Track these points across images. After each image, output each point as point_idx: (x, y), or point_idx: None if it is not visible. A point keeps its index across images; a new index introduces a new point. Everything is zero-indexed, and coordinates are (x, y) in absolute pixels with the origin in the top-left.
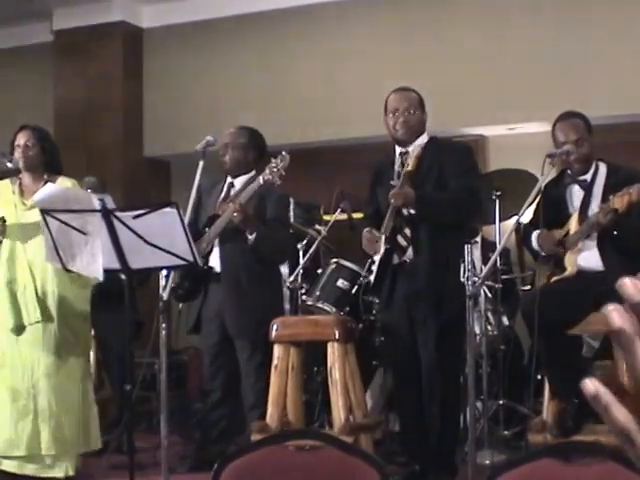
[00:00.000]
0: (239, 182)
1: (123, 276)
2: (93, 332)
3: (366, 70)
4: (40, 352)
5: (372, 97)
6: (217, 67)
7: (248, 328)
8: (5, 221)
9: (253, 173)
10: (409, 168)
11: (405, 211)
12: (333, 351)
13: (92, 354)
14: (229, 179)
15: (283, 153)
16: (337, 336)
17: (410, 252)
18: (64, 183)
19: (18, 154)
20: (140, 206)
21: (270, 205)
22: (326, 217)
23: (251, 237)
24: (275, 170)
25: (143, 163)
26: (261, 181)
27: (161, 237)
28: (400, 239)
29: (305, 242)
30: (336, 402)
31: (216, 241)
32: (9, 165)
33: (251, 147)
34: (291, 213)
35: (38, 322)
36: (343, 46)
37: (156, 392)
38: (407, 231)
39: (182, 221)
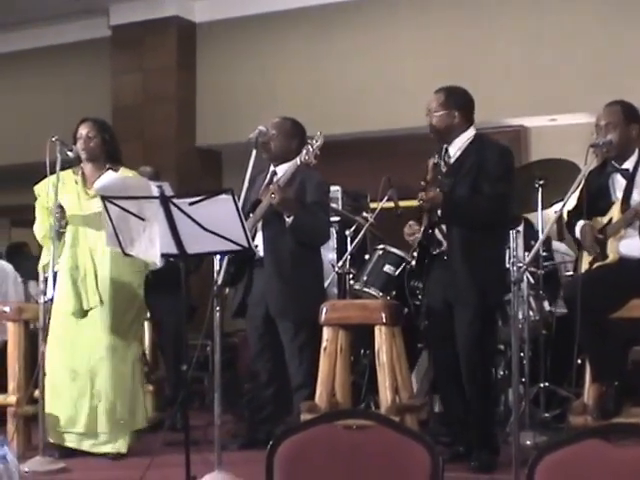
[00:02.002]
0: (281, 170)
1: (171, 259)
2: (149, 315)
3: (412, 62)
4: (98, 335)
5: (418, 89)
6: (267, 59)
7: (291, 309)
8: (63, 208)
9: (295, 161)
10: (429, 176)
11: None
12: (380, 334)
13: (147, 336)
14: (272, 167)
15: (318, 133)
16: (384, 319)
17: (445, 246)
18: (125, 174)
19: (80, 145)
20: (197, 193)
21: (309, 190)
22: (373, 205)
23: (289, 220)
24: (311, 150)
25: (195, 153)
26: (298, 162)
27: (217, 223)
28: (437, 233)
29: (353, 229)
30: (383, 383)
31: (259, 226)
32: (69, 155)
33: (293, 136)
34: (339, 201)
35: (97, 307)
36: (391, 39)
37: (208, 372)
38: (443, 227)
39: (237, 208)
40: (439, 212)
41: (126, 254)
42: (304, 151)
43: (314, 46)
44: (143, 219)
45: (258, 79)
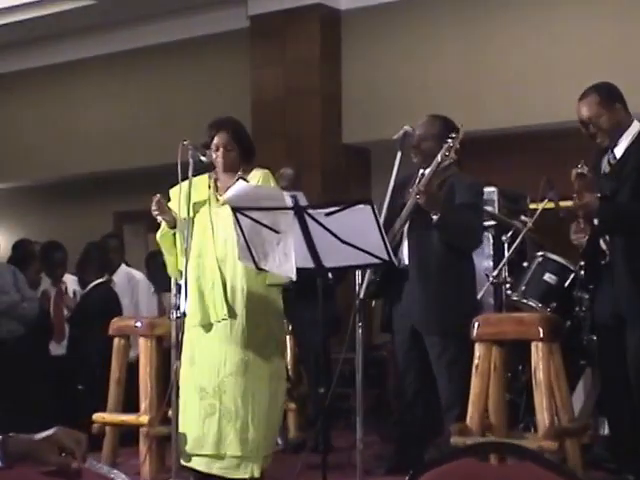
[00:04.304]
0: None
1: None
2: (291, 328)
3: (578, 48)
4: (228, 350)
5: (584, 76)
6: (418, 49)
7: (436, 322)
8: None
9: (436, 158)
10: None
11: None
12: (537, 351)
13: (289, 351)
14: (421, 170)
15: (459, 125)
16: (542, 335)
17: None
18: (256, 174)
19: (217, 157)
20: (333, 203)
21: (459, 192)
22: (533, 206)
23: (435, 217)
24: (451, 145)
25: (342, 150)
26: (439, 158)
27: (354, 234)
28: (602, 243)
29: (510, 234)
30: (540, 405)
31: (405, 232)
32: (203, 159)
33: (444, 136)
34: (495, 203)
35: (225, 320)
36: (549, 29)
37: (354, 388)
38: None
39: (376, 218)
40: (595, 220)
41: (259, 269)
42: (444, 146)
43: (468, 33)
44: (277, 231)
45: (408, 70)
